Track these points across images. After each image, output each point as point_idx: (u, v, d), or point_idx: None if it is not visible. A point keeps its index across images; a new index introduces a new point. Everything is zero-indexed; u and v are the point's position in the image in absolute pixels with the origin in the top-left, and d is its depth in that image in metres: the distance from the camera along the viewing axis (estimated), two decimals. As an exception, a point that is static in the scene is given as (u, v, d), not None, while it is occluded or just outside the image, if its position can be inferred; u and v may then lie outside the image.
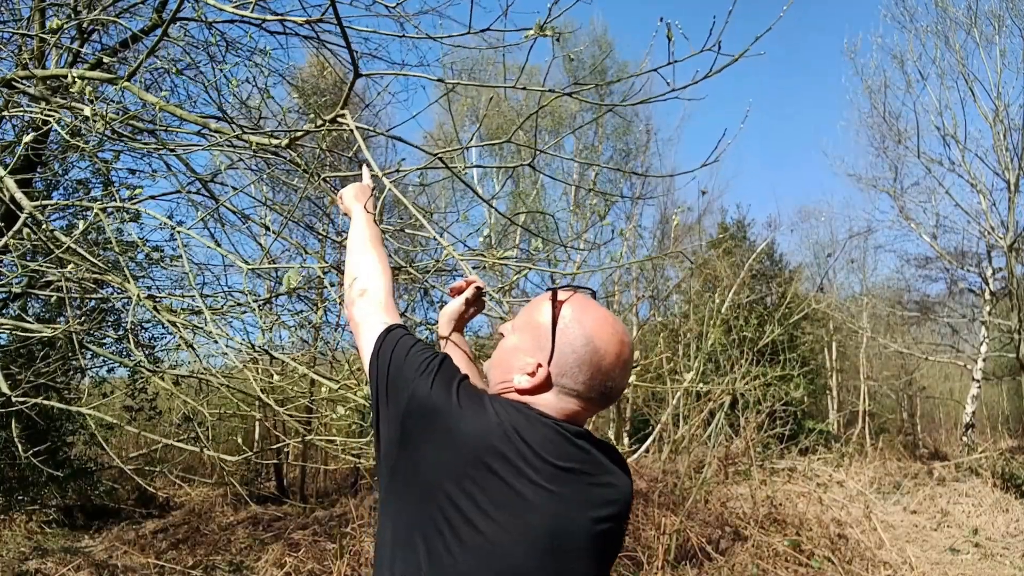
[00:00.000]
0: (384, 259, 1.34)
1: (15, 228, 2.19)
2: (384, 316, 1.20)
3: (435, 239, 1.68)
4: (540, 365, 1.05)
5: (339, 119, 1.84)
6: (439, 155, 2.21)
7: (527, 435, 0.99)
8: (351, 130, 1.78)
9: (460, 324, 1.42)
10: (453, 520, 0.94)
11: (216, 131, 2.29)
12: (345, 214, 1.53)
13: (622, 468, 1.09)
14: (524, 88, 2.15)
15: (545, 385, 1.05)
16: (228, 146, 2.27)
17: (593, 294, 1.15)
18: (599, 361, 1.04)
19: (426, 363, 1.05)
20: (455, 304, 1.40)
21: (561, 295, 1.10)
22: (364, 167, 1.68)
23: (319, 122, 1.93)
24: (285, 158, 2.30)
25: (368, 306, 1.23)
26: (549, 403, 1.05)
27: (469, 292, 1.39)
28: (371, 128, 3.01)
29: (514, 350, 1.11)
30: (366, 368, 1.15)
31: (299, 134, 2.03)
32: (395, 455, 1.02)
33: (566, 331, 1.06)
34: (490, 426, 0.98)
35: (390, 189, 1.60)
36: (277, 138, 2.10)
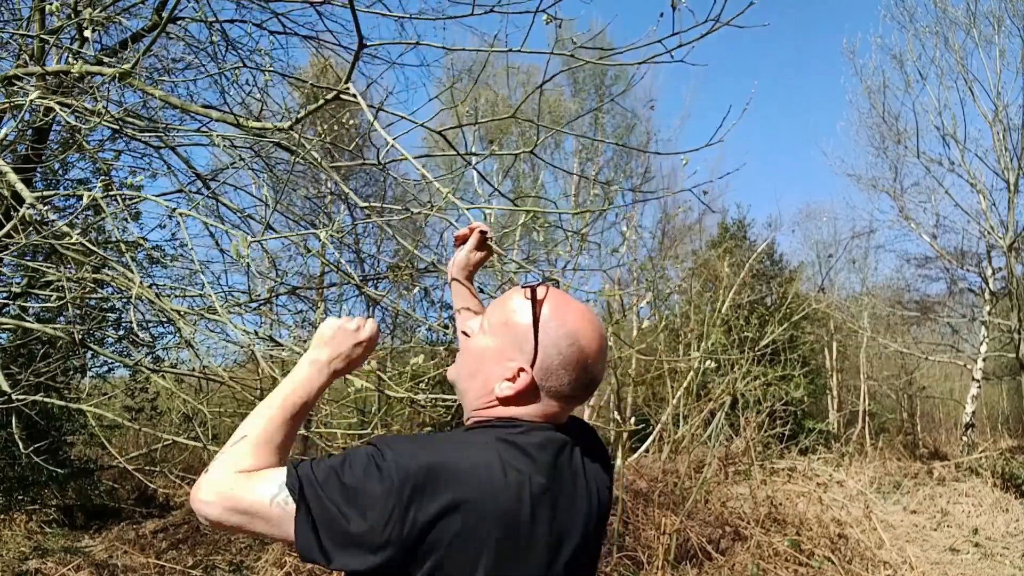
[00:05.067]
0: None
1: (19, 215, 2.20)
2: (269, 459, 0.95)
3: (435, 184, 1.67)
4: (522, 369, 0.98)
5: (342, 95, 1.84)
6: (442, 132, 2.22)
7: (529, 488, 0.90)
8: (356, 101, 1.77)
9: (469, 272, 1.36)
10: None
11: (219, 120, 2.31)
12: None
13: (601, 463, 1.05)
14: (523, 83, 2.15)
15: (529, 390, 0.98)
16: (230, 137, 2.28)
17: (557, 284, 1.11)
18: (584, 359, 0.98)
19: (389, 482, 0.85)
20: (462, 253, 1.35)
21: (538, 292, 1.01)
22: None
23: (326, 96, 1.93)
24: (284, 147, 2.31)
25: (238, 456, 0.93)
26: (533, 409, 0.99)
27: (474, 239, 1.34)
28: (372, 105, 3.02)
29: (489, 354, 1.02)
30: (290, 533, 0.86)
31: (302, 114, 2.05)
32: None
33: (549, 331, 0.98)
34: (496, 488, 0.88)
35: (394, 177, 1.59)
36: (280, 123, 2.11)
